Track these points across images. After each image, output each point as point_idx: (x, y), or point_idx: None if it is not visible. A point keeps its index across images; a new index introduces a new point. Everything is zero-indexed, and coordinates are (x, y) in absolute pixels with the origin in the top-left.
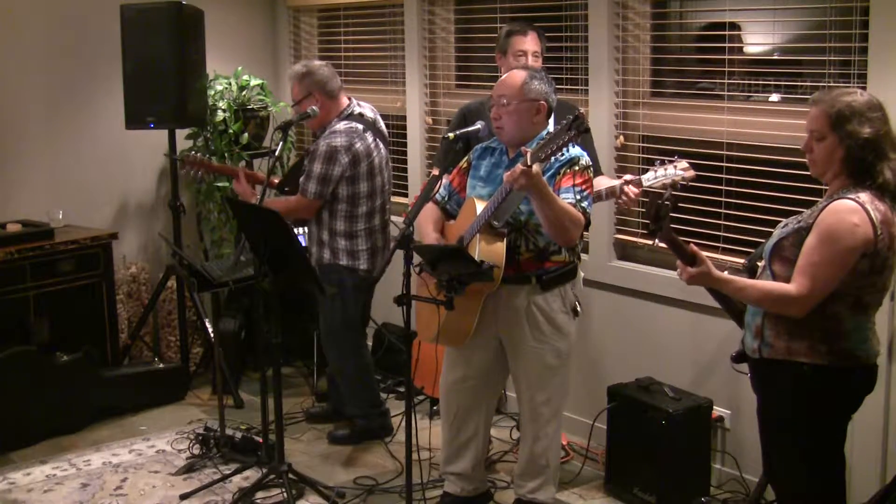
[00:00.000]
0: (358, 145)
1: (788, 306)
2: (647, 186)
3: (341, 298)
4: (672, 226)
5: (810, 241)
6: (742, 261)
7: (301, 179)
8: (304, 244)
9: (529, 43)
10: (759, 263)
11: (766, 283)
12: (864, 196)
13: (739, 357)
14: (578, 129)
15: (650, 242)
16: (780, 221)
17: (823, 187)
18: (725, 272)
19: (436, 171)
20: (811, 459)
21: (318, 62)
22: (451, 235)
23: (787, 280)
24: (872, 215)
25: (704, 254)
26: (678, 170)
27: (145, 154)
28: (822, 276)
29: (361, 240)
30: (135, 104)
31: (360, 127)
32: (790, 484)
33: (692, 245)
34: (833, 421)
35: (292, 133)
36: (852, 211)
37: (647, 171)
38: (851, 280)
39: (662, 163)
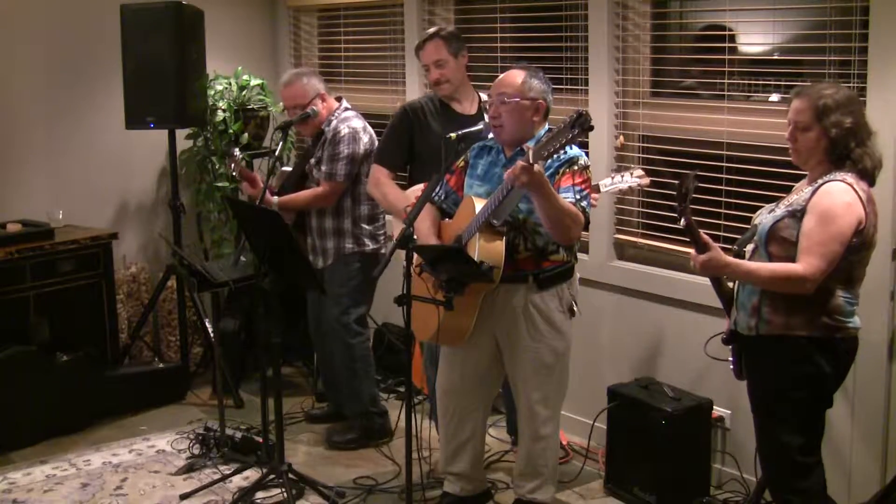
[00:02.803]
0: (369, 128)
1: (799, 285)
2: (605, 192)
3: (358, 293)
4: (672, 225)
5: (808, 223)
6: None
7: (324, 167)
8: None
9: (426, 56)
10: (745, 249)
11: (774, 265)
12: (851, 178)
13: (731, 337)
14: (582, 128)
15: (679, 222)
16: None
17: None
18: None
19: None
20: (805, 429)
21: (306, 68)
22: (448, 234)
23: (785, 259)
24: (861, 195)
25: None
26: (634, 177)
27: (145, 154)
28: (828, 253)
29: (382, 221)
30: (135, 104)
31: (361, 115)
32: (782, 455)
33: (703, 234)
34: (825, 391)
35: (292, 133)
36: (844, 191)
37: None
38: (845, 256)
39: (619, 170)
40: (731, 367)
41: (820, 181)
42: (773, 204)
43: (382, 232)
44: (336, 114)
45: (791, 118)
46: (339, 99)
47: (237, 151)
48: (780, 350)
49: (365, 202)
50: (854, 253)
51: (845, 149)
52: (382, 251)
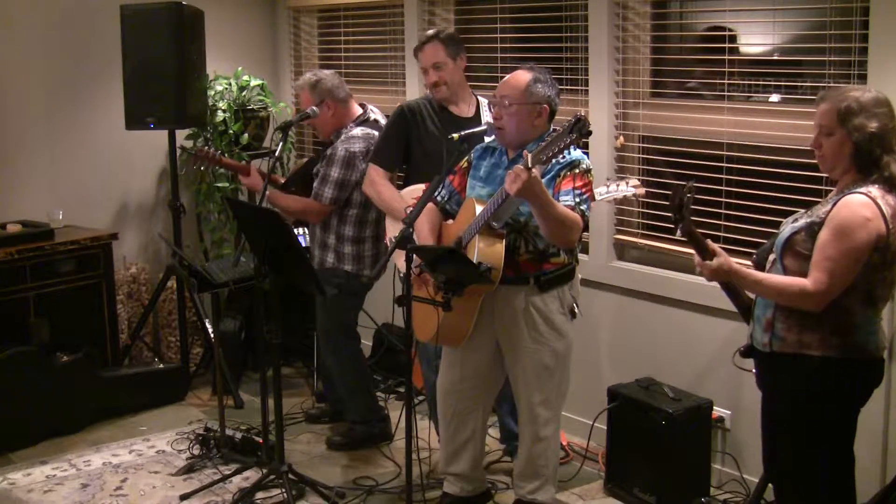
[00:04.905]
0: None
1: (806, 301)
2: (600, 200)
3: (339, 304)
4: (672, 226)
5: (824, 235)
6: (744, 261)
7: (316, 183)
8: (303, 244)
9: (424, 59)
10: (768, 260)
11: (783, 278)
12: (875, 191)
13: (748, 351)
14: (580, 133)
15: (675, 233)
16: (779, 221)
17: (823, 187)
18: None
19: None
20: (821, 455)
21: (326, 71)
22: (449, 235)
23: (799, 274)
24: (884, 209)
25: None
26: (629, 186)
27: (145, 154)
28: (839, 270)
29: (368, 245)
30: (135, 104)
31: (377, 133)
32: (799, 481)
33: (709, 241)
34: (843, 414)
35: (292, 133)
36: (864, 205)
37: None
38: (864, 274)
39: (615, 179)
40: (755, 377)
41: (845, 192)
42: (799, 213)
43: (369, 255)
44: (349, 126)
45: (816, 122)
46: (363, 106)
47: (209, 147)
48: (793, 369)
49: (351, 224)
50: (876, 272)
51: (870, 155)
52: (366, 272)
